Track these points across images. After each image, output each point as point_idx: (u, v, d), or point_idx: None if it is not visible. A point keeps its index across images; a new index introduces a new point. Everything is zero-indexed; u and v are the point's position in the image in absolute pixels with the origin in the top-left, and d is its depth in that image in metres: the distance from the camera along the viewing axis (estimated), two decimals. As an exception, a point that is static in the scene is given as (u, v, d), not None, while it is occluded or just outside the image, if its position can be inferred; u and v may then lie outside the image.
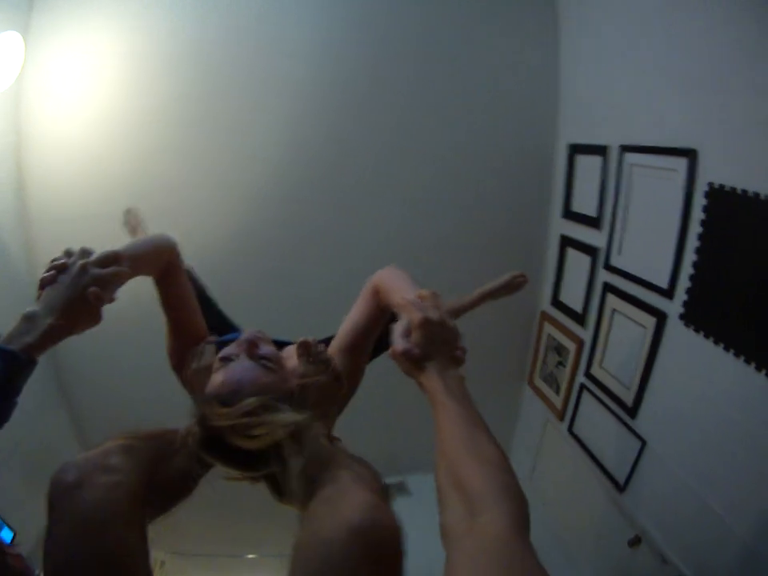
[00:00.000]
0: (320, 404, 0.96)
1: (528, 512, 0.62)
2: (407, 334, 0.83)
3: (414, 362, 0.82)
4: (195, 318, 1.19)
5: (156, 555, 3.26)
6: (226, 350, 0.95)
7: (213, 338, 1.16)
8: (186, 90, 2.31)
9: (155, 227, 2.43)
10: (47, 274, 0.83)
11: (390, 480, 3.02)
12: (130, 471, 0.68)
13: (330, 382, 1.02)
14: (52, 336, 0.79)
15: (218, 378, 0.89)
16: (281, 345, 1.16)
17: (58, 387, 2.64)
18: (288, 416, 0.80)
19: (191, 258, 2.43)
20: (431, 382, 0.80)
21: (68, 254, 0.86)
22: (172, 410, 2.65)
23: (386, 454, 3.01)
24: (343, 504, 0.65)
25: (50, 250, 2.41)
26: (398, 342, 0.82)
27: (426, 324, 0.82)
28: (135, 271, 0.93)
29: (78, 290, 0.81)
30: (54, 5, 2.15)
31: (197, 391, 0.96)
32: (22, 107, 2.26)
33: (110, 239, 2.15)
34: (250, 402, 0.79)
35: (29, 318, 0.79)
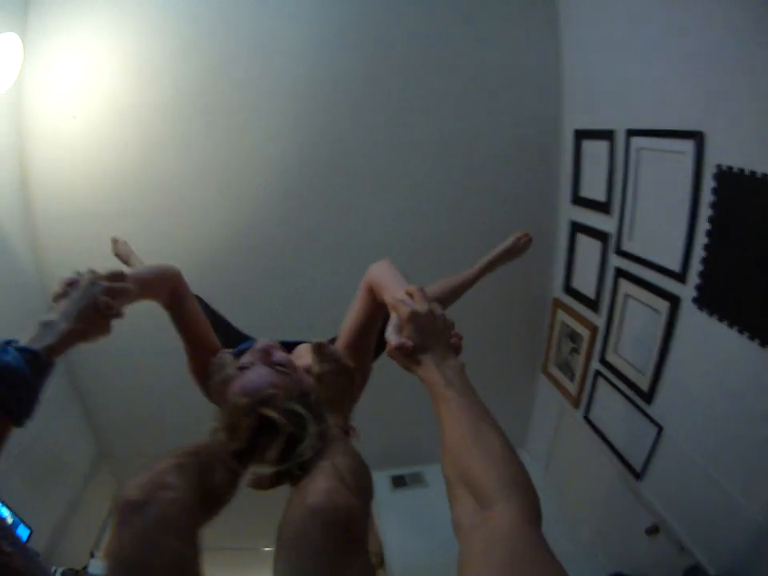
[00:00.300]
0: (334, 399, 1.05)
1: (539, 503, 0.62)
2: (399, 329, 0.85)
3: (409, 356, 0.83)
4: (207, 335, 1.26)
5: None
6: (242, 360, 1.02)
7: (228, 350, 1.22)
8: (186, 87, 2.31)
9: (157, 224, 2.46)
10: (60, 289, 0.90)
11: (406, 471, 3.05)
12: (184, 488, 0.74)
13: (342, 379, 1.10)
14: (68, 340, 0.85)
15: (236, 385, 0.95)
16: (289, 346, 1.25)
17: (70, 385, 2.67)
18: (295, 421, 0.86)
19: (192, 254, 2.48)
20: (429, 374, 0.81)
21: (78, 273, 0.92)
22: (183, 407, 2.69)
23: (403, 445, 3.03)
24: (307, 490, 0.70)
25: (54, 248, 2.46)
26: (392, 338, 0.84)
27: (415, 316, 0.84)
28: (141, 293, 1.00)
29: (90, 299, 0.88)
30: (49, 5, 2.16)
31: (221, 401, 1.02)
32: (23, 108, 2.27)
33: (113, 235, 2.18)
34: (270, 411, 0.85)
35: (46, 324, 0.85)
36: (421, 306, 0.86)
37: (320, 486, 0.70)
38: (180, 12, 2.22)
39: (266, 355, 1.00)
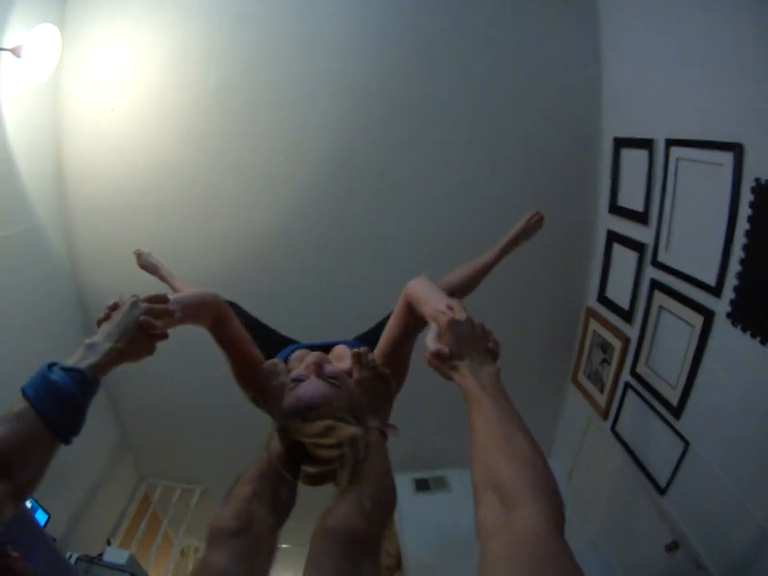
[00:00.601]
0: (373, 402, 1.14)
1: (563, 508, 0.64)
2: (438, 337, 0.90)
3: (446, 363, 0.87)
4: (250, 351, 1.32)
5: (190, 542, 3.37)
6: (296, 372, 1.10)
7: (274, 360, 1.29)
8: (226, 84, 2.35)
9: (193, 219, 2.49)
10: (103, 314, 0.94)
11: (430, 474, 3.06)
12: (266, 512, 0.90)
13: (380, 385, 1.18)
14: (112, 359, 0.88)
15: (293, 395, 1.04)
16: (326, 347, 1.38)
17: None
18: (352, 429, 0.96)
19: (227, 251, 2.53)
20: (465, 380, 0.84)
21: (120, 297, 0.97)
22: (206, 397, 2.73)
23: (428, 448, 3.04)
24: (329, 513, 0.85)
25: (88, 240, 2.52)
26: (430, 344, 0.88)
27: (454, 324, 0.88)
28: (185, 318, 1.06)
29: (132, 319, 0.92)
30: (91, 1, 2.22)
31: (274, 408, 1.13)
32: (61, 100, 2.33)
33: (146, 230, 2.23)
34: (325, 423, 0.96)
35: (90, 346, 0.88)
36: (460, 315, 0.90)
37: (339, 510, 0.85)
38: (222, 9, 2.26)
39: (318, 368, 1.08)
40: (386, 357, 1.24)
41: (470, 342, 0.88)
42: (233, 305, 1.66)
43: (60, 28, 2.10)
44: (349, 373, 1.20)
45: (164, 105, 2.36)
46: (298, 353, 1.37)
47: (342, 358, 1.31)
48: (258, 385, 1.24)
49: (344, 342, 1.45)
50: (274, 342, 1.55)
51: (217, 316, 1.23)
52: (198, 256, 2.53)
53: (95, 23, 2.25)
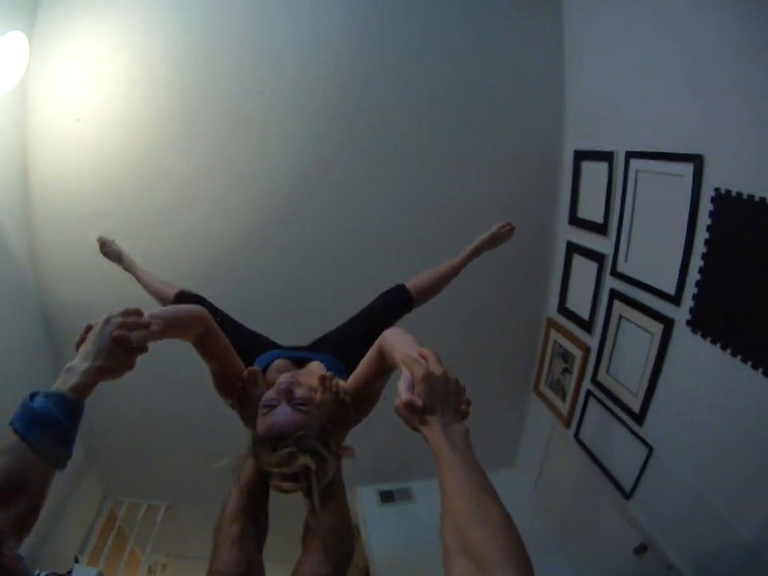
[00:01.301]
0: (330, 426, 1.20)
1: (534, 574, 0.63)
2: (411, 387, 0.87)
3: (417, 415, 0.84)
4: (233, 362, 1.33)
5: (157, 559, 3.29)
6: (268, 397, 1.14)
7: (255, 369, 1.33)
8: (191, 89, 2.32)
9: (159, 225, 2.44)
10: (79, 338, 0.94)
11: (395, 486, 3.03)
12: (255, 549, 1.04)
13: (340, 410, 1.25)
14: (91, 377, 0.89)
15: (265, 422, 1.08)
16: (302, 362, 1.47)
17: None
18: (310, 459, 1.03)
19: (196, 255, 2.48)
20: (434, 437, 0.81)
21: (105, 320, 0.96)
22: (170, 408, 2.64)
23: (391, 460, 3.01)
24: (300, 568, 1.02)
25: (54, 248, 2.43)
26: (403, 394, 0.86)
27: (429, 377, 0.85)
28: (166, 331, 1.05)
29: (106, 336, 0.92)
30: (59, 5, 2.16)
31: (251, 418, 1.21)
32: (27, 107, 2.27)
33: (113, 237, 2.18)
34: (288, 451, 1.03)
35: (68, 369, 0.88)
36: (436, 368, 0.87)
37: (306, 570, 1.01)
38: (186, 15, 2.24)
39: (288, 394, 1.13)
40: (357, 389, 1.28)
41: (443, 397, 0.85)
42: (202, 299, 1.74)
43: (29, 36, 2.07)
44: (315, 390, 1.27)
45: (129, 112, 2.32)
46: (278, 363, 1.42)
47: (315, 376, 1.34)
48: (238, 393, 1.29)
49: (322, 358, 1.48)
50: (255, 346, 1.58)
51: (203, 332, 1.22)
52: (166, 260, 2.45)
53: (64, 32, 2.20)
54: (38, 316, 2.49)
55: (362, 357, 1.51)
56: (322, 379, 1.25)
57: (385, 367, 1.18)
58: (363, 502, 3.03)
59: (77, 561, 2.53)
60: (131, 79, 2.28)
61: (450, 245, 2.66)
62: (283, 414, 1.08)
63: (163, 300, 1.79)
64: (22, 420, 0.79)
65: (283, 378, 1.19)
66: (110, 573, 2.73)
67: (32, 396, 0.82)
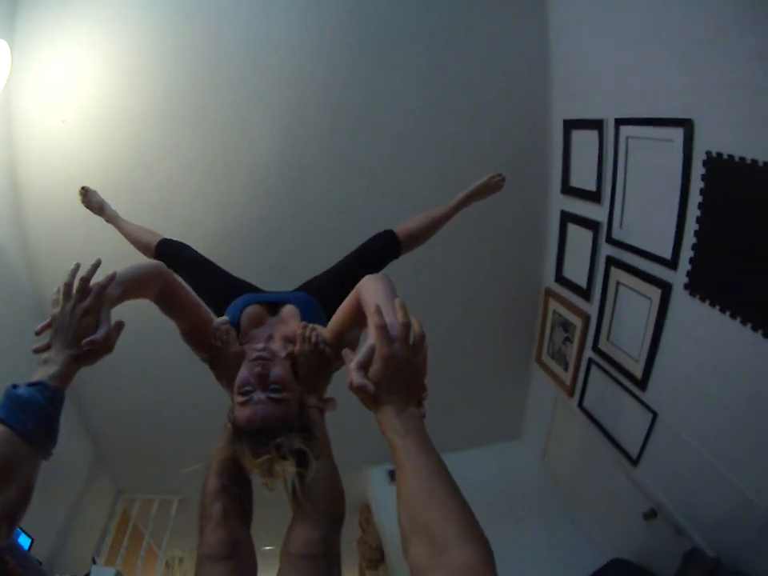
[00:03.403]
0: (310, 377, 1.21)
1: (491, 552, 0.63)
2: (366, 365, 0.81)
3: (369, 398, 0.80)
4: (199, 317, 1.28)
5: (174, 553, 3.36)
6: (243, 378, 1.09)
7: (225, 325, 1.27)
8: (174, 87, 2.30)
9: (149, 223, 2.45)
10: (40, 328, 0.93)
11: (386, 468, 3.06)
12: (239, 526, 1.03)
13: (320, 361, 1.23)
14: (68, 366, 0.88)
15: (242, 415, 1.04)
16: (276, 305, 1.43)
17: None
18: (292, 467, 1.00)
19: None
20: (388, 421, 0.78)
21: (62, 310, 0.94)
22: (178, 407, 2.67)
23: (379, 443, 3.04)
24: (290, 537, 0.99)
25: (46, 251, 2.43)
26: (355, 374, 0.80)
27: (391, 360, 0.79)
28: (125, 295, 1.03)
29: (72, 326, 0.91)
30: (37, 11, 2.13)
31: (225, 376, 1.21)
32: (12, 114, 2.25)
33: (104, 238, 2.18)
34: (267, 457, 1.00)
35: (44, 361, 0.88)
36: (401, 351, 0.80)
37: (297, 534, 0.98)
38: (168, 13, 2.20)
39: (262, 380, 1.07)
40: (335, 336, 1.24)
41: (402, 382, 0.80)
42: (185, 247, 1.76)
43: (9, 43, 2.04)
44: (292, 340, 1.27)
45: (114, 112, 2.30)
46: (250, 310, 1.38)
47: (288, 320, 1.35)
48: (212, 353, 1.25)
49: (296, 299, 1.46)
50: (226, 288, 1.58)
51: (160, 288, 1.18)
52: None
53: (45, 37, 2.17)
54: (37, 318, 2.45)
55: (342, 297, 1.47)
56: (302, 331, 1.23)
57: (362, 316, 1.10)
58: (373, 482, 3.06)
59: (94, 562, 2.57)
60: (114, 81, 2.26)
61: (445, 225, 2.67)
62: (261, 409, 1.04)
63: (145, 249, 1.78)
64: (7, 407, 0.78)
65: (255, 354, 1.12)
66: (128, 571, 2.75)
67: (14, 387, 0.82)
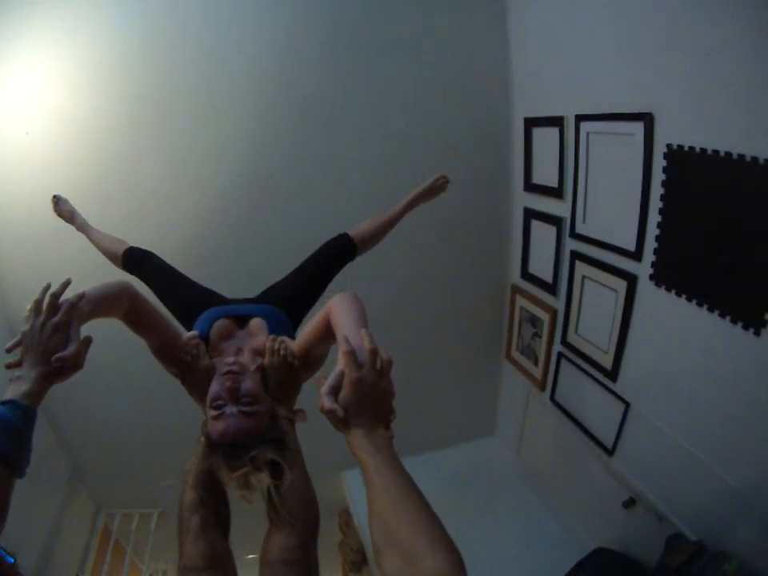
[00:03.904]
0: (279, 388, 1.22)
1: (463, 561, 0.64)
2: (336, 390, 0.83)
3: (339, 422, 0.82)
4: (168, 333, 1.28)
5: (157, 566, 3.30)
6: (214, 392, 1.09)
7: (196, 340, 1.27)
8: (138, 94, 2.25)
9: (120, 232, 2.38)
10: (10, 345, 0.92)
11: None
12: (219, 538, 1.04)
13: (288, 373, 1.25)
14: (39, 383, 0.88)
15: (215, 429, 1.05)
16: (243, 318, 1.43)
17: (40, 404, 2.55)
18: (267, 478, 1.01)
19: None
20: (357, 441, 0.81)
21: (31, 327, 0.94)
22: (153, 420, 2.60)
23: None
24: (268, 544, 1.01)
25: (14, 267, 2.34)
26: (326, 398, 0.82)
27: (359, 384, 0.82)
28: (94, 312, 1.03)
29: (42, 344, 0.90)
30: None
31: (197, 390, 1.21)
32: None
33: (72, 250, 2.10)
34: (243, 471, 1.01)
35: (15, 379, 0.88)
36: (369, 375, 0.83)
37: (275, 541, 1.00)
38: (130, 19, 2.15)
39: (233, 393, 1.08)
40: (302, 351, 1.26)
41: (370, 405, 0.83)
42: (151, 255, 1.75)
43: None
44: (261, 353, 1.28)
45: (77, 122, 2.23)
46: (219, 324, 1.38)
47: (257, 333, 1.36)
48: (182, 368, 1.25)
49: (263, 311, 1.46)
50: (192, 297, 1.59)
51: (128, 306, 1.18)
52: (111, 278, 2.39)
53: (5, 47, 2.10)
54: (4, 333, 2.39)
55: (307, 304, 1.62)
56: (270, 343, 1.25)
57: (330, 334, 1.13)
58: (350, 485, 3.04)
59: (77, 579, 2.51)
60: (76, 90, 2.19)
61: (409, 224, 2.66)
62: (233, 423, 1.05)
63: (113, 257, 1.78)
64: None
65: (226, 367, 1.13)
66: (113, 586, 2.72)
67: None
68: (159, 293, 1.62)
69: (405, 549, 0.66)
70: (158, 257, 1.73)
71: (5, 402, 0.82)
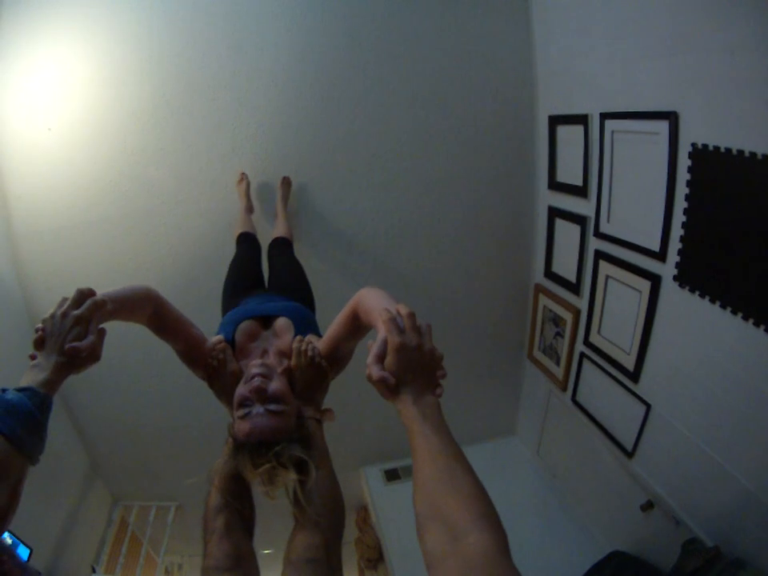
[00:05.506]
0: (307, 390, 1.23)
1: (507, 538, 0.63)
2: (381, 358, 0.84)
3: (389, 389, 0.82)
4: (192, 336, 1.30)
5: (173, 559, 3.35)
6: (241, 394, 1.11)
7: (222, 345, 1.29)
8: (161, 90, 2.28)
9: (138, 229, 2.42)
10: (36, 335, 0.93)
11: (399, 464, 3.07)
12: (243, 539, 1.04)
13: (316, 374, 1.25)
14: (56, 373, 0.89)
15: (242, 429, 1.07)
16: (269, 318, 1.44)
17: (60, 397, 2.61)
18: (292, 474, 1.03)
19: (178, 257, 2.45)
20: (406, 409, 0.80)
21: (52, 315, 0.96)
22: (171, 414, 2.66)
23: (394, 439, 3.04)
24: (292, 544, 0.99)
25: (36, 262, 2.41)
26: (373, 368, 0.83)
27: (403, 349, 0.82)
28: (117, 313, 1.06)
29: (62, 333, 0.92)
30: (19, 16, 2.10)
31: (225, 394, 1.23)
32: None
33: (93, 246, 2.15)
34: (268, 466, 1.03)
35: (33, 367, 0.89)
36: (411, 339, 0.83)
37: (299, 541, 0.99)
38: (153, 16, 2.18)
39: (260, 393, 1.09)
40: (329, 350, 1.26)
41: (416, 369, 0.83)
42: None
43: None
44: (287, 353, 1.29)
45: (100, 119, 2.27)
46: (245, 326, 1.40)
47: (282, 334, 1.36)
48: (209, 373, 1.27)
49: (288, 309, 1.48)
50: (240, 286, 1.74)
51: (151, 312, 1.21)
52: (148, 265, 2.46)
53: (28, 44, 2.14)
54: (29, 329, 2.40)
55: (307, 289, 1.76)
56: (297, 345, 1.26)
57: (359, 328, 1.16)
58: (369, 482, 3.06)
59: (93, 570, 2.58)
60: (99, 85, 2.23)
61: (433, 222, 2.67)
62: (260, 422, 1.07)
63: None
64: None
65: (253, 371, 1.15)
66: (128, 578, 2.76)
67: (2, 390, 0.82)
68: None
69: (449, 523, 0.64)
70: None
71: (22, 389, 0.83)
